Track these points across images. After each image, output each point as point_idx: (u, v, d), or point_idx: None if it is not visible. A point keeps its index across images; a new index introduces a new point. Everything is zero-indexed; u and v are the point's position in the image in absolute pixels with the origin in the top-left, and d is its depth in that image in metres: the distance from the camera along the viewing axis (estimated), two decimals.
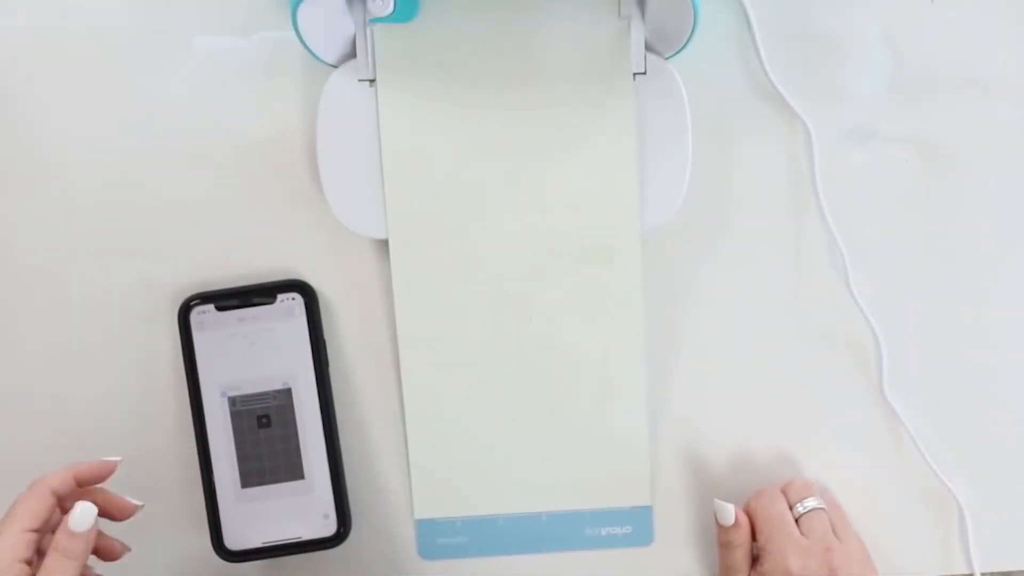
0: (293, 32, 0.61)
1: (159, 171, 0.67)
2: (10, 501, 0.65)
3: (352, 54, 0.65)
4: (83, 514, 0.56)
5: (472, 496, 0.68)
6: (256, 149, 0.67)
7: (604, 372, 0.66)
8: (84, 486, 0.59)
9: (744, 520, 0.65)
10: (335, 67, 0.65)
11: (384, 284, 0.67)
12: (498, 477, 0.67)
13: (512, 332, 0.66)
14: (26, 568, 0.55)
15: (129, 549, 0.61)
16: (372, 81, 0.65)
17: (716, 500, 0.65)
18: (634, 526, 0.68)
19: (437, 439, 0.67)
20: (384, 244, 0.67)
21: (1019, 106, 0.67)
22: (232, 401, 0.66)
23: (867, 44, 0.67)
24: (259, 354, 0.66)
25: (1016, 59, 0.67)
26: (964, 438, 0.68)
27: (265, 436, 0.66)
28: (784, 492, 0.66)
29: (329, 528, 0.67)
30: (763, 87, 0.67)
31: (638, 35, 0.64)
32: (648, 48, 0.64)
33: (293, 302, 0.66)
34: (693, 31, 0.62)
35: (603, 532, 0.68)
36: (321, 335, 0.67)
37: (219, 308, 0.66)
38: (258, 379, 0.66)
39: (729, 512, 0.64)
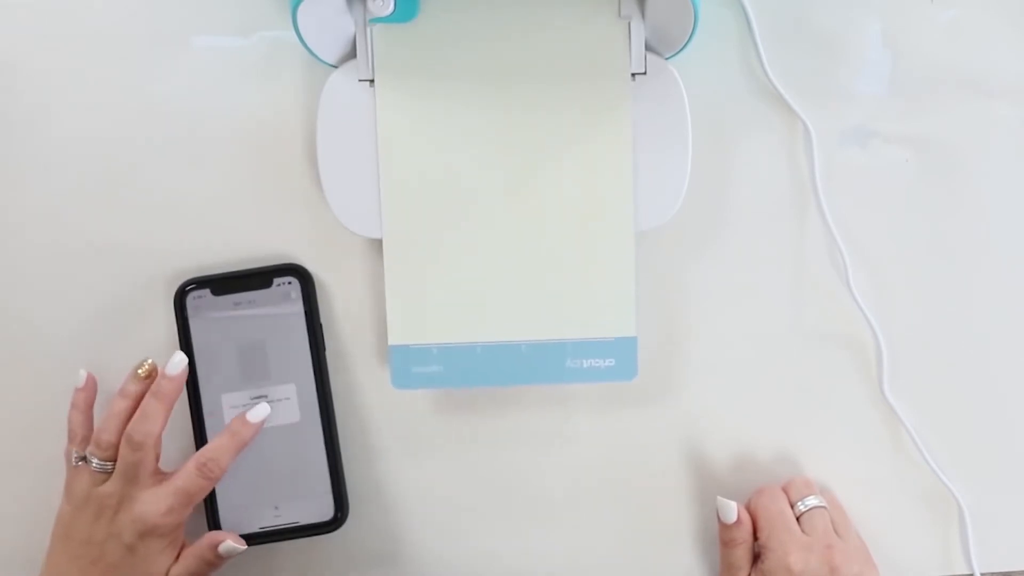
0: (293, 32, 0.61)
1: (159, 169, 0.67)
2: (9, 497, 0.68)
3: (352, 54, 0.65)
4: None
5: (449, 323, 0.65)
6: (256, 148, 0.67)
7: (589, 194, 0.65)
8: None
9: (746, 517, 0.65)
10: (335, 67, 0.65)
11: (381, 278, 0.67)
12: (477, 303, 0.65)
13: (495, 157, 0.65)
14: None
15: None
16: (372, 81, 0.65)
17: (719, 498, 0.65)
18: (617, 359, 0.65)
19: (414, 262, 0.65)
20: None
21: (1019, 106, 0.67)
22: (229, 385, 0.66)
23: (867, 44, 0.67)
24: (255, 338, 0.66)
25: (1016, 59, 0.67)
26: (964, 438, 0.69)
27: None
28: (785, 490, 0.66)
29: (326, 513, 0.67)
30: (763, 87, 0.67)
31: (638, 35, 0.64)
32: (648, 48, 0.64)
33: (289, 286, 0.67)
34: (693, 31, 0.62)
35: (585, 364, 0.65)
36: (318, 319, 0.67)
37: (215, 292, 0.66)
38: (254, 363, 0.66)
39: (732, 509, 0.64)
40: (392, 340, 0.66)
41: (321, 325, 0.67)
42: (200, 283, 0.67)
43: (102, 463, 0.64)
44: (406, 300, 0.65)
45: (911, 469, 0.68)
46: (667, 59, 0.65)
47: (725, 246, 0.68)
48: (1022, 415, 0.69)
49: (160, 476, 0.64)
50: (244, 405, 0.66)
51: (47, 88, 0.67)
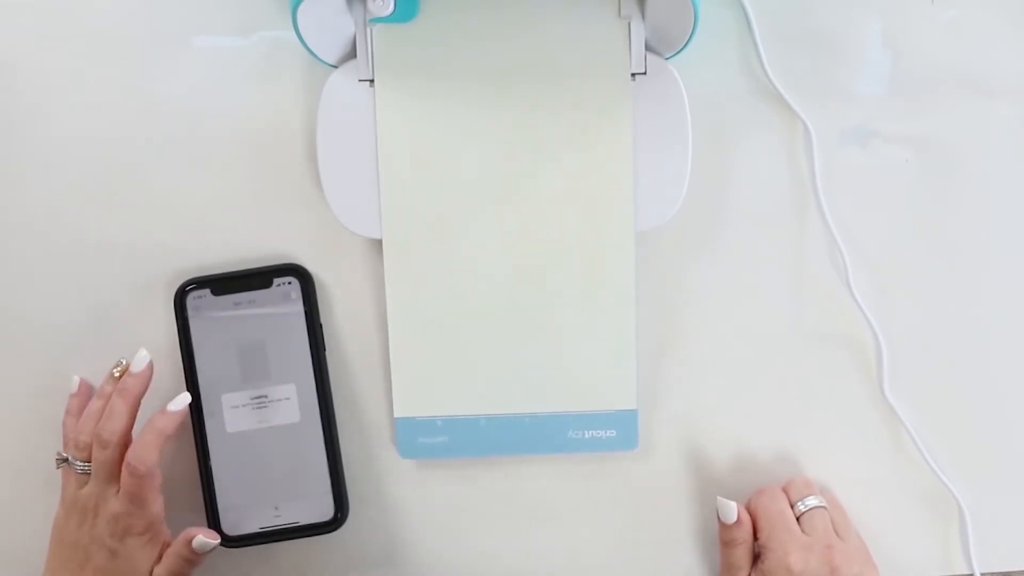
0: (293, 32, 0.61)
1: (159, 169, 0.67)
2: (9, 495, 0.68)
3: (352, 54, 0.65)
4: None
5: (454, 395, 0.66)
6: (256, 148, 0.67)
7: (591, 270, 0.65)
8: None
9: (746, 518, 0.65)
10: (335, 67, 0.65)
11: (381, 278, 0.67)
12: (481, 376, 0.66)
13: (499, 229, 0.65)
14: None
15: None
16: (372, 81, 0.65)
17: (719, 498, 0.65)
18: (619, 430, 0.67)
19: (419, 336, 0.66)
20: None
21: (1019, 106, 0.67)
22: (229, 386, 0.66)
23: (867, 44, 0.67)
24: (255, 338, 0.66)
25: (1016, 59, 0.67)
26: (964, 438, 0.69)
27: (262, 420, 0.66)
28: (785, 491, 0.66)
29: (326, 513, 0.67)
30: (763, 87, 0.67)
31: (638, 35, 0.64)
32: (648, 48, 0.64)
33: (289, 286, 0.67)
34: (693, 31, 0.62)
35: (587, 435, 0.67)
36: (318, 319, 0.67)
37: (215, 292, 0.66)
38: (254, 363, 0.66)
39: (732, 510, 0.64)
40: (398, 412, 0.67)
41: (321, 325, 0.67)
42: (200, 283, 0.67)
43: (83, 464, 0.64)
44: (410, 373, 0.66)
45: (911, 469, 0.68)
46: (667, 59, 0.65)
47: (725, 246, 0.68)
48: (1022, 415, 0.69)
49: None
50: (244, 405, 0.66)
51: (47, 88, 0.67)
